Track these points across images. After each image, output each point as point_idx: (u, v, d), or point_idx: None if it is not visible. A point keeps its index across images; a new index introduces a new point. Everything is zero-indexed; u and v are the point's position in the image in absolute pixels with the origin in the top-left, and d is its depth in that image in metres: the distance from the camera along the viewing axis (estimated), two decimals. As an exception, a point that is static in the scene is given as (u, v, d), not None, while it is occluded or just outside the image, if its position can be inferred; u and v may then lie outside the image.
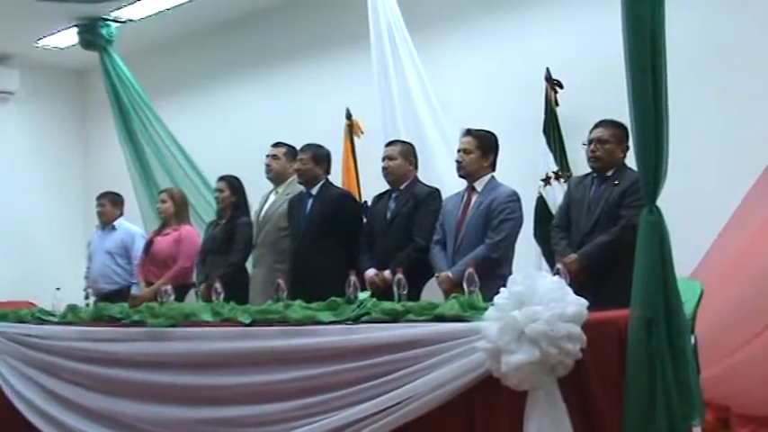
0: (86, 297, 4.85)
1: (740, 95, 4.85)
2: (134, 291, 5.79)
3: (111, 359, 4.11)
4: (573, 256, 3.83)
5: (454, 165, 4.34)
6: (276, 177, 5.16)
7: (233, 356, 3.61)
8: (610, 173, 3.98)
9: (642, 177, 2.78)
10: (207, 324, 3.82)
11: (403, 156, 4.59)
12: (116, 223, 6.17)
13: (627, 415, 2.67)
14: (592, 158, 4.02)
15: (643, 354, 2.64)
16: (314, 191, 4.83)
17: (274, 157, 5.15)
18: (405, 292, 3.48)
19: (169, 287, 4.27)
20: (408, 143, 4.77)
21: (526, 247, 4.91)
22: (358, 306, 3.45)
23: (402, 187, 4.55)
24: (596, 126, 4.04)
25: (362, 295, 3.79)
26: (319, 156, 4.86)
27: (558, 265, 3.13)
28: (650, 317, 2.65)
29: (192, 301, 4.62)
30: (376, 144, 5.16)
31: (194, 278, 5.39)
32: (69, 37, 7.41)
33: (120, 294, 5.69)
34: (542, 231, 4.83)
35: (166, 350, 3.88)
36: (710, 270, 4.26)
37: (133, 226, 6.30)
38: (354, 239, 4.65)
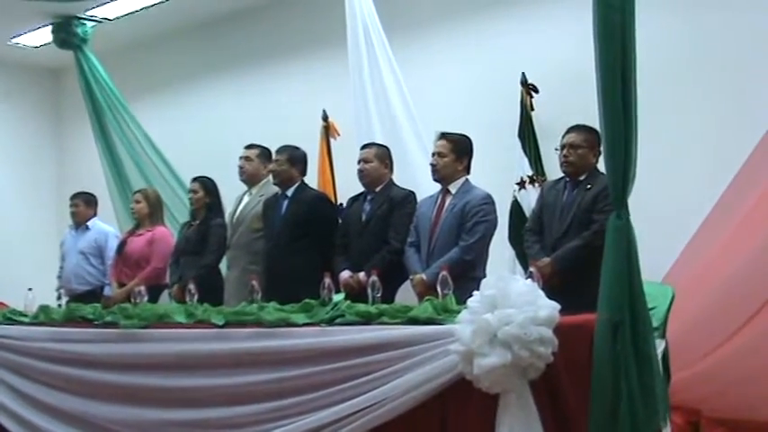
0: (59, 297, 4.80)
1: (713, 99, 4.91)
2: (107, 291, 5.75)
3: (84, 360, 4.08)
4: (546, 260, 3.86)
5: (429, 168, 4.35)
6: (249, 179, 5.15)
7: (206, 358, 3.60)
8: (582, 177, 4.02)
9: (611, 182, 2.80)
10: (180, 325, 3.81)
11: (378, 158, 4.60)
12: (90, 223, 6.12)
13: (592, 418, 2.68)
14: (564, 164, 4.05)
15: (608, 358, 2.66)
16: (289, 192, 4.83)
17: (247, 158, 5.14)
18: (379, 295, 3.49)
19: (142, 288, 4.26)
20: (384, 146, 4.78)
21: (501, 250, 4.95)
22: (332, 308, 3.46)
23: (377, 190, 4.56)
24: (569, 131, 4.08)
25: (337, 297, 3.80)
26: (295, 157, 4.86)
27: (532, 269, 3.16)
28: (616, 321, 2.67)
29: (165, 302, 4.59)
30: (352, 146, 5.17)
31: (168, 279, 5.37)
32: (44, 35, 7.36)
33: (92, 295, 5.64)
34: (517, 235, 4.86)
35: (139, 351, 3.86)
36: (683, 274, 4.31)
37: (107, 226, 6.26)
38: (329, 241, 4.64)
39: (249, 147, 5.19)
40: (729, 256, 4.28)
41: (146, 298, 4.19)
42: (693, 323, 4.05)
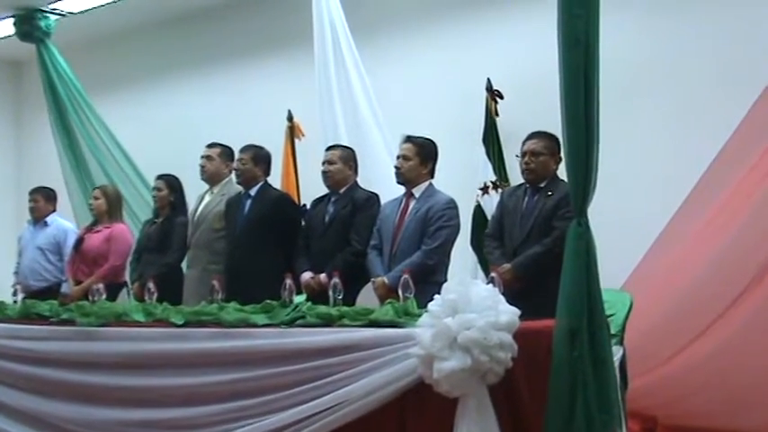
0: (14, 294, 4.71)
1: (675, 106, 4.99)
2: (64, 288, 5.66)
3: (39, 358, 4.01)
4: (507, 266, 3.87)
5: (394, 170, 4.36)
6: (210, 178, 5.10)
7: (164, 358, 3.57)
8: (543, 184, 4.03)
9: (572, 189, 2.83)
10: (139, 324, 3.77)
11: (343, 160, 4.60)
12: (48, 219, 6.03)
13: (548, 422, 2.71)
14: (525, 171, 4.07)
15: (566, 363, 2.69)
16: (252, 192, 4.79)
17: (208, 157, 5.09)
18: (340, 297, 3.49)
19: (100, 286, 4.19)
20: (349, 148, 4.78)
21: (463, 255, 4.97)
22: (293, 309, 3.45)
23: (341, 191, 4.55)
24: (529, 138, 4.09)
25: (298, 299, 3.79)
26: (259, 157, 4.83)
27: (492, 274, 3.18)
28: (574, 327, 2.70)
29: (123, 300, 4.54)
30: (317, 147, 5.16)
31: (126, 277, 5.31)
32: (5, 27, 7.21)
33: (49, 292, 5.54)
34: (479, 240, 4.88)
35: (96, 350, 3.81)
36: (642, 282, 4.35)
37: (66, 222, 6.16)
38: (292, 242, 4.62)
39: (211, 145, 5.15)
40: (688, 265, 4.34)
41: (103, 296, 4.13)
42: (651, 331, 4.10)
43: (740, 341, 3.97)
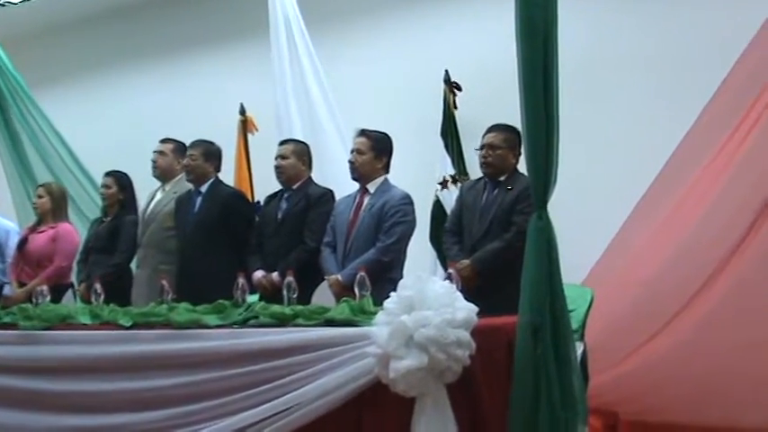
0: (-47, 297, 4.55)
1: (636, 98, 4.99)
2: (7, 291, 5.46)
3: (-21, 364, 3.86)
4: (465, 261, 3.81)
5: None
6: (162, 174, 4.96)
7: (112, 361, 3.46)
8: (502, 178, 3.99)
9: (532, 182, 2.79)
10: (85, 327, 3.67)
11: (296, 155, 4.49)
12: (-12, 219, 5.84)
13: (511, 421, 2.67)
14: (484, 164, 4.02)
15: (528, 360, 2.65)
16: (203, 189, 4.66)
17: (161, 153, 4.96)
18: (295, 296, 3.42)
19: (44, 288, 4.06)
20: (303, 142, 4.68)
21: (421, 251, 4.91)
22: (245, 309, 3.38)
23: (295, 187, 4.46)
24: (488, 131, 4.04)
25: (252, 298, 3.69)
26: (210, 152, 4.70)
27: (450, 271, 3.11)
28: (537, 324, 2.66)
29: (69, 302, 4.39)
30: (271, 142, 5.05)
31: (72, 278, 5.15)
32: (-58, 18, 6.97)
33: (-9, 295, 5.37)
34: (438, 236, 4.82)
35: (41, 354, 3.69)
36: (602, 277, 4.34)
37: (8, 222, 5.96)
38: (245, 240, 4.51)
39: (164, 141, 5.02)
40: (648, 259, 4.33)
41: (48, 298, 4.01)
42: (612, 326, 4.09)
43: (700, 336, 3.98)
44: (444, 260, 4.61)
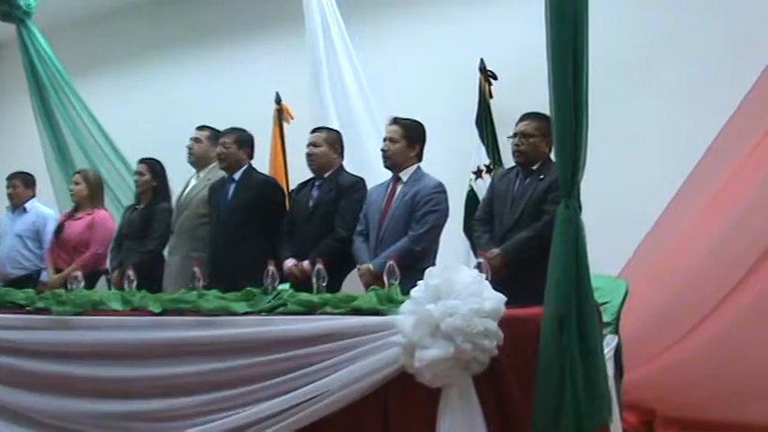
0: (-10, 282, 4.61)
1: (672, 89, 4.88)
2: (44, 277, 5.54)
3: (13, 348, 3.87)
4: (495, 251, 3.76)
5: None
6: (197, 161, 4.98)
7: (141, 347, 3.45)
8: (535, 167, 3.92)
9: (560, 171, 2.73)
10: (116, 313, 3.65)
11: (328, 143, 4.46)
12: (28, 205, 5.89)
13: (536, 412, 2.62)
14: (516, 152, 3.96)
15: (553, 351, 2.60)
16: (236, 176, 4.65)
17: (196, 140, 4.98)
18: (324, 284, 3.39)
19: (78, 273, 4.08)
20: (335, 130, 4.65)
21: (455, 241, 4.86)
22: (274, 297, 3.35)
23: (326, 176, 4.43)
24: (522, 119, 3.97)
25: (282, 287, 3.68)
26: (243, 140, 4.69)
27: (480, 260, 3.06)
28: (562, 314, 2.60)
29: (103, 288, 4.42)
30: (306, 130, 5.02)
31: (107, 265, 5.18)
32: (-16, 7, 7.05)
33: (28, 280, 5.42)
34: (472, 226, 4.76)
35: (72, 339, 3.69)
36: (639, 269, 4.27)
37: (46, 208, 6.01)
38: (276, 228, 4.49)
39: (200, 128, 5.04)
40: (686, 253, 4.25)
41: (82, 284, 4.01)
42: (649, 320, 4.01)
43: (739, 332, 3.89)
44: (476, 250, 4.56)
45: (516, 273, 3.57)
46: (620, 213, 4.65)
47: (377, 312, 2.97)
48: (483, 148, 5.40)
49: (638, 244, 4.49)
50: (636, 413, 4.09)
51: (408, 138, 4.15)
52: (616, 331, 3.55)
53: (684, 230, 4.33)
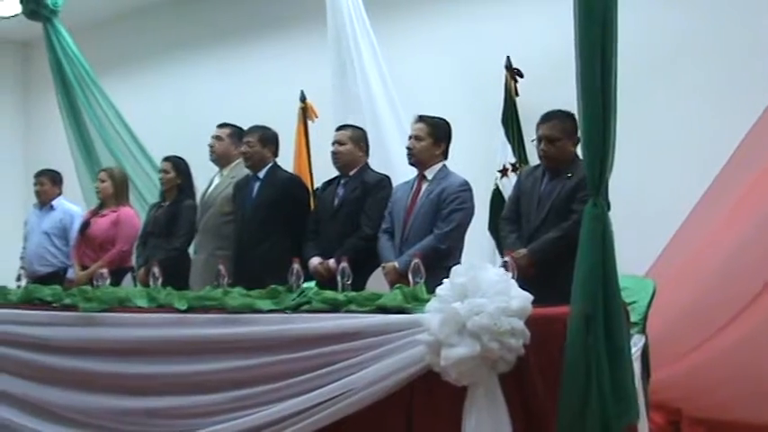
0: (18, 278, 4.62)
1: (701, 88, 4.82)
2: (70, 274, 5.57)
3: (40, 344, 3.93)
4: (522, 251, 3.71)
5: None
6: (219, 159, 4.99)
7: (166, 344, 3.48)
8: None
9: (588, 169, 2.68)
10: (141, 310, 3.68)
11: (353, 141, 4.45)
12: (55, 202, 5.93)
13: (561, 412, 2.58)
14: (543, 158, 3.86)
15: (580, 350, 2.56)
16: (261, 174, 4.65)
17: (218, 138, 4.98)
18: (349, 282, 3.37)
19: (104, 270, 4.12)
20: (360, 128, 4.63)
21: (480, 240, 4.83)
22: (298, 295, 3.34)
23: (351, 174, 4.41)
24: (543, 121, 3.86)
25: (307, 285, 3.67)
26: (267, 138, 4.68)
27: (506, 259, 3.03)
28: (589, 313, 2.56)
29: (129, 285, 4.44)
30: (330, 128, 5.01)
31: (133, 262, 5.21)
32: (12, 6, 7.09)
33: (55, 277, 5.47)
34: (498, 224, 4.72)
35: (98, 336, 3.73)
36: (666, 269, 4.21)
37: (73, 206, 6.05)
38: (301, 225, 4.49)
39: (221, 126, 5.04)
40: (714, 252, 4.20)
41: (108, 281, 4.05)
42: (677, 320, 3.96)
43: (766, 333, 3.81)
44: (502, 249, 4.52)
45: (543, 272, 3.51)
46: (648, 212, 4.60)
47: (402, 310, 2.95)
48: (509, 147, 5.35)
49: (666, 243, 4.43)
50: (662, 413, 4.04)
51: (434, 135, 4.12)
52: (643, 331, 3.50)
53: (712, 230, 4.27)
